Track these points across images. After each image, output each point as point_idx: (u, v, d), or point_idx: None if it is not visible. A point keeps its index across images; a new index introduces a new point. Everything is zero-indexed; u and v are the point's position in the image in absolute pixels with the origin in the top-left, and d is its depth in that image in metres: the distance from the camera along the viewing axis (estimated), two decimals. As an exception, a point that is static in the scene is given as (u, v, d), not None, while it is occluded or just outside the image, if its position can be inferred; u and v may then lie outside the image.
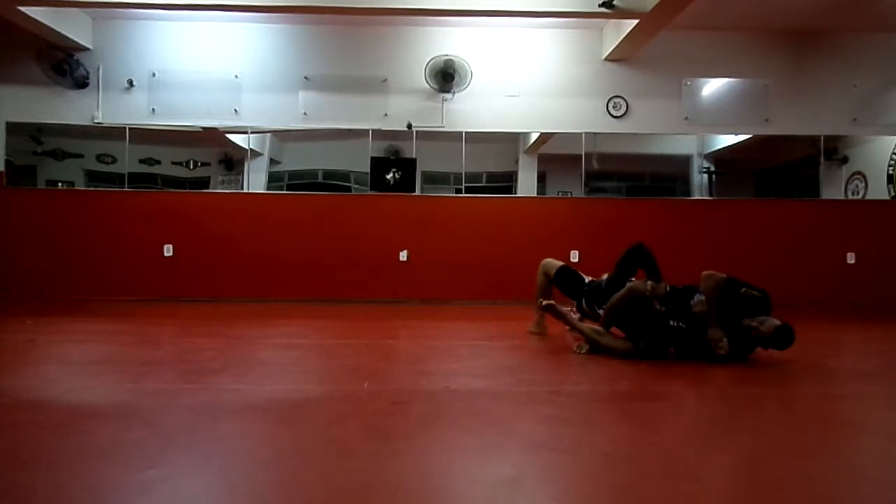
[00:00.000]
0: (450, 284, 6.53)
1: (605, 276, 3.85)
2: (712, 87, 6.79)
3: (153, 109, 6.54)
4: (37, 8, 5.63)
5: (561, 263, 4.15)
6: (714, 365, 3.32)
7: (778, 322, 3.32)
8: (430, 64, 6.42)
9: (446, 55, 6.44)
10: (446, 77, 6.43)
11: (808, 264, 6.64)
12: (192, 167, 6.80)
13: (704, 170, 6.97)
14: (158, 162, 6.73)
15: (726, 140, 6.96)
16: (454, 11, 5.70)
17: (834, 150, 6.84)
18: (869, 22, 6.35)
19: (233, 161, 6.77)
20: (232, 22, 6.50)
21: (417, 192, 6.64)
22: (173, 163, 6.78)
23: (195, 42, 6.60)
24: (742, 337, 3.39)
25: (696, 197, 6.92)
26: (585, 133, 6.69)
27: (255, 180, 6.70)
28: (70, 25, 6.16)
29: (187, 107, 6.54)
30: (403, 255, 6.57)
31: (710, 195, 6.91)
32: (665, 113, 6.71)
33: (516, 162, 6.94)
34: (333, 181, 6.90)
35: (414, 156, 6.64)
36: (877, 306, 6.36)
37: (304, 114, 6.60)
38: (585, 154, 6.70)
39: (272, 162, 6.92)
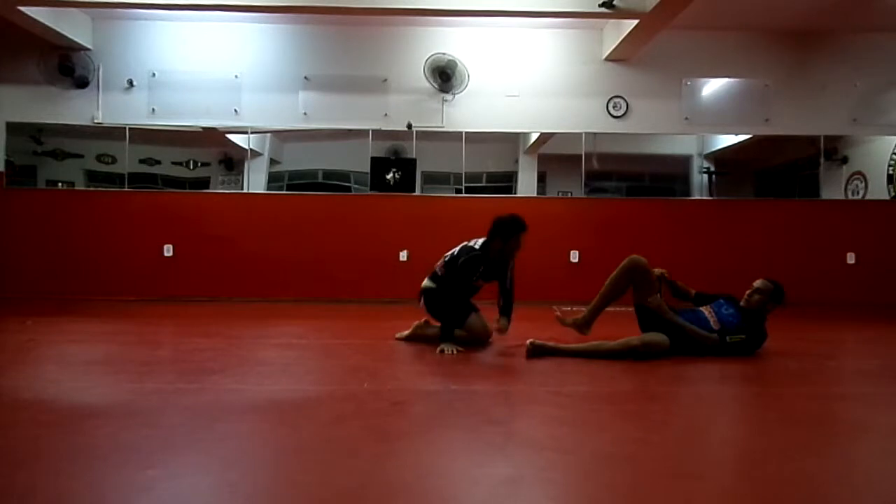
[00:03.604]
0: (450, 284, 6.52)
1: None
2: (712, 87, 6.79)
3: (153, 109, 6.54)
4: (37, 8, 5.62)
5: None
6: (714, 365, 3.32)
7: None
8: (430, 59, 6.42)
9: (448, 55, 6.44)
10: (444, 76, 6.43)
11: (808, 264, 6.63)
12: (192, 167, 6.80)
13: (704, 170, 6.97)
14: (158, 162, 6.73)
15: (726, 140, 6.95)
16: (454, 11, 5.70)
17: (834, 150, 6.84)
18: (869, 22, 6.35)
19: (233, 161, 6.77)
20: (232, 22, 6.50)
21: (417, 192, 6.64)
22: (173, 163, 6.78)
23: (195, 42, 6.59)
24: (754, 317, 3.53)
25: (696, 197, 6.92)
26: (585, 133, 6.69)
27: (255, 180, 6.70)
28: (70, 25, 6.16)
29: (187, 107, 6.54)
30: (403, 255, 6.57)
31: (711, 195, 6.91)
32: (665, 113, 6.71)
33: (516, 162, 6.94)
34: (333, 181, 6.91)
35: (414, 156, 6.63)
36: (877, 306, 6.36)
37: (304, 114, 6.60)
38: (585, 154, 6.70)
39: (272, 162, 6.92)
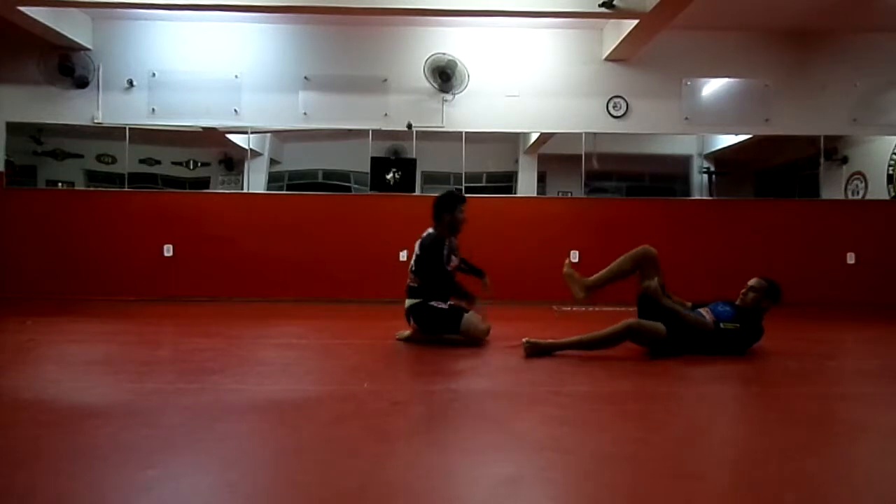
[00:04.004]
0: (450, 284, 6.52)
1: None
2: (712, 87, 6.79)
3: (153, 109, 6.54)
4: (37, 8, 5.62)
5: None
6: (714, 365, 3.32)
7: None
8: (430, 59, 6.42)
9: (448, 55, 6.44)
10: (444, 76, 6.44)
11: (808, 264, 6.63)
12: (192, 167, 6.80)
13: (704, 170, 6.97)
14: (158, 162, 6.73)
15: (726, 140, 6.95)
16: (454, 11, 5.70)
17: (834, 150, 6.84)
18: (869, 22, 6.35)
19: (233, 161, 6.77)
20: (232, 22, 6.50)
21: (417, 192, 6.64)
22: (173, 163, 6.78)
23: (195, 42, 6.59)
24: (749, 314, 3.54)
25: (696, 197, 6.92)
26: (585, 133, 6.69)
27: (255, 180, 6.70)
28: (70, 25, 6.16)
29: (187, 107, 6.54)
30: (403, 255, 6.56)
31: (710, 195, 6.91)
32: (665, 113, 6.71)
33: (516, 162, 6.94)
34: (333, 181, 6.91)
35: (414, 156, 6.64)
36: (877, 306, 6.36)
37: (304, 114, 6.60)
38: (585, 154, 6.70)
39: (272, 162, 6.92)
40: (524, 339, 3.46)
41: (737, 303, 3.62)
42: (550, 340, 3.47)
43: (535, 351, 3.44)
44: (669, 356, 3.41)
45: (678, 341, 3.44)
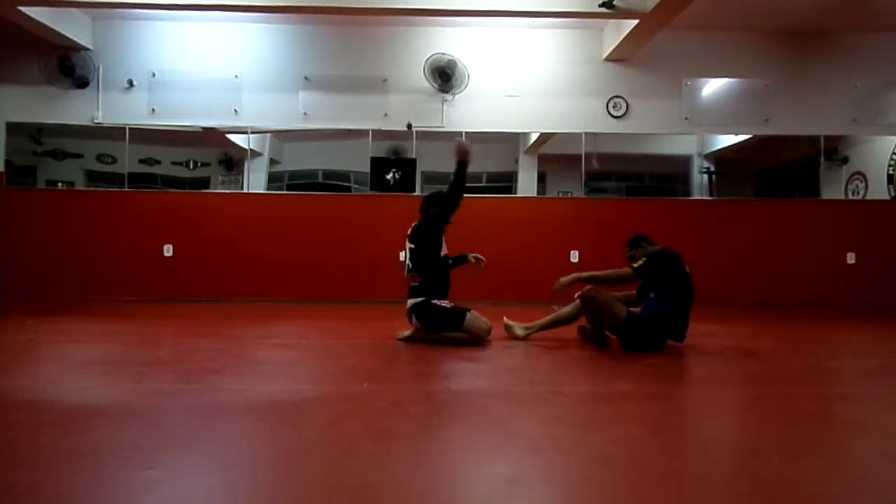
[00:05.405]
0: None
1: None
2: (712, 87, 6.79)
3: (153, 109, 6.54)
4: (37, 8, 5.63)
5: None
6: (713, 365, 3.32)
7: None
8: (430, 59, 6.43)
9: (448, 55, 6.45)
10: (444, 76, 6.44)
11: (808, 264, 6.63)
12: (192, 167, 6.80)
13: (704, 170, 6.97)
14: (158, 162, 6.73)
15: (726, 140, 6.95)
16: (454, 11, 5.70)
17: (834, 150, 6.84)
18: (869, 22, 6.35)
19: (233, 161, 6.77)
20: (232, 22, 6.50)
21: (417, 192, 6.63)
22: (173, 163, 6.78)
23: (195, 42, 6.60)
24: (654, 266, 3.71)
25: (696, 197, 6.92)
26: (585, 133, 6.69)
27: (255, 180, 6.70)
28: (70, 25, 6.16)
29: (187, 107, 6.54)
30: (403, 255, 6.56)
31: (710, 195, 6.91)
32: (665, 113, 6.71)
33: (516, 162, 6.94)
34: (333, 181, 6.91)
35: (414, 156, 6.64)
36: (877, 306, 6.36)
37: (304, 114, 6.60)
38: (585, 154, 6.70)
39: (272, 162, 6.92)
40: (504, 319, 3.92)
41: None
42: (527, 324, 3.88)
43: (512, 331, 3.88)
44: (642, 348, 3.52)
45: (637, 325, 3.54)
